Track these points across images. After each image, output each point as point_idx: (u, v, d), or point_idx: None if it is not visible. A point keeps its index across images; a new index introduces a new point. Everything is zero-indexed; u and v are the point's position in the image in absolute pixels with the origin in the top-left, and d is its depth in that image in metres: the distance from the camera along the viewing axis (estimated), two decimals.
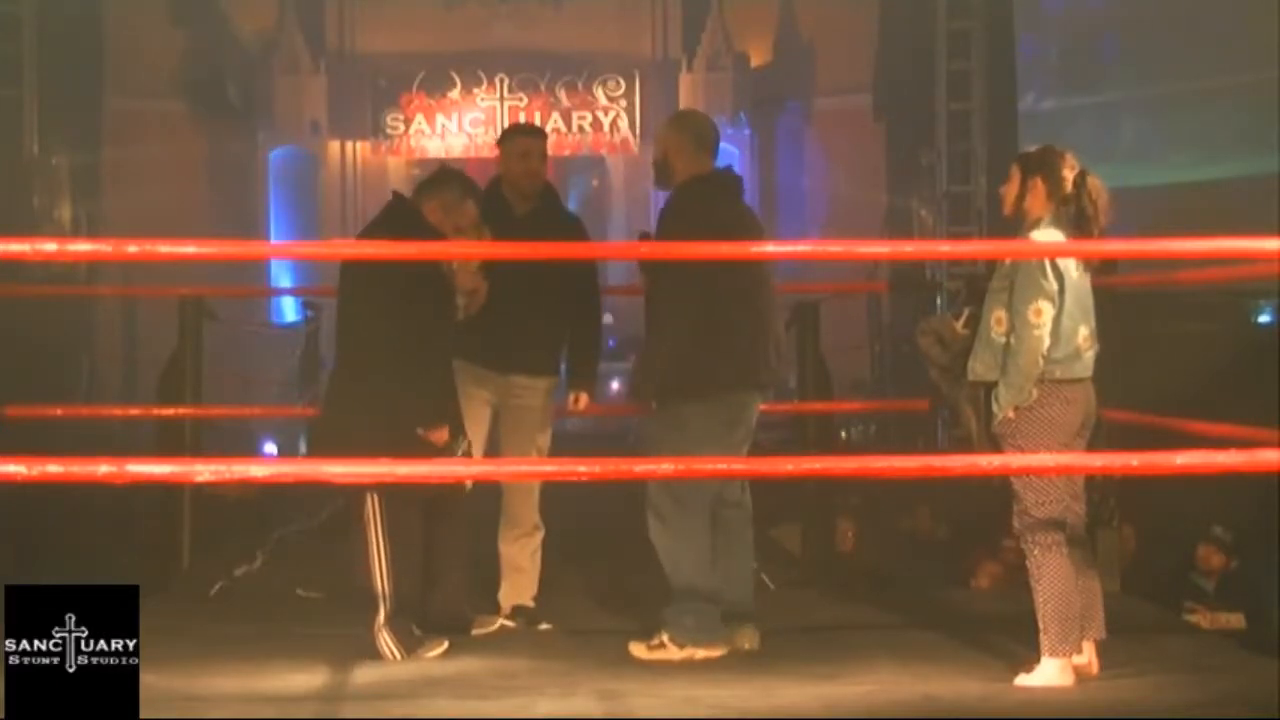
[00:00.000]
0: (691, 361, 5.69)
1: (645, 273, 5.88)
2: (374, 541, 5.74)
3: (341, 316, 5.95)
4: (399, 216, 5.95)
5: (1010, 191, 5.36)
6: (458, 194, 6.00)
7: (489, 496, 6.42)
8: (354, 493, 5.81)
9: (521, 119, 16.68)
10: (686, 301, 5.65)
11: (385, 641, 5.72)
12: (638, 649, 5.70)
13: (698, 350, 5.68)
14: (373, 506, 5.73)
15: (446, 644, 5.81)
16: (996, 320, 5.24)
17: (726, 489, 5.86)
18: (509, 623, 6.32)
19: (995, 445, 5.26)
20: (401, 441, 5.46)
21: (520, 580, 6.40)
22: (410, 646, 5.73)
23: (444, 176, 6.19)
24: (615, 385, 12.37)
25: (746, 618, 5.85)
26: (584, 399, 6.44)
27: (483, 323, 6.17)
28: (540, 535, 6.44)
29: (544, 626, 6.30)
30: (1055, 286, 5.17)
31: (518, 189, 6.42)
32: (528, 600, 6.39)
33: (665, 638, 5.68)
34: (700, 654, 5.65)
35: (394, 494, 5.68)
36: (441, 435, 5.74)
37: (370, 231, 6.00)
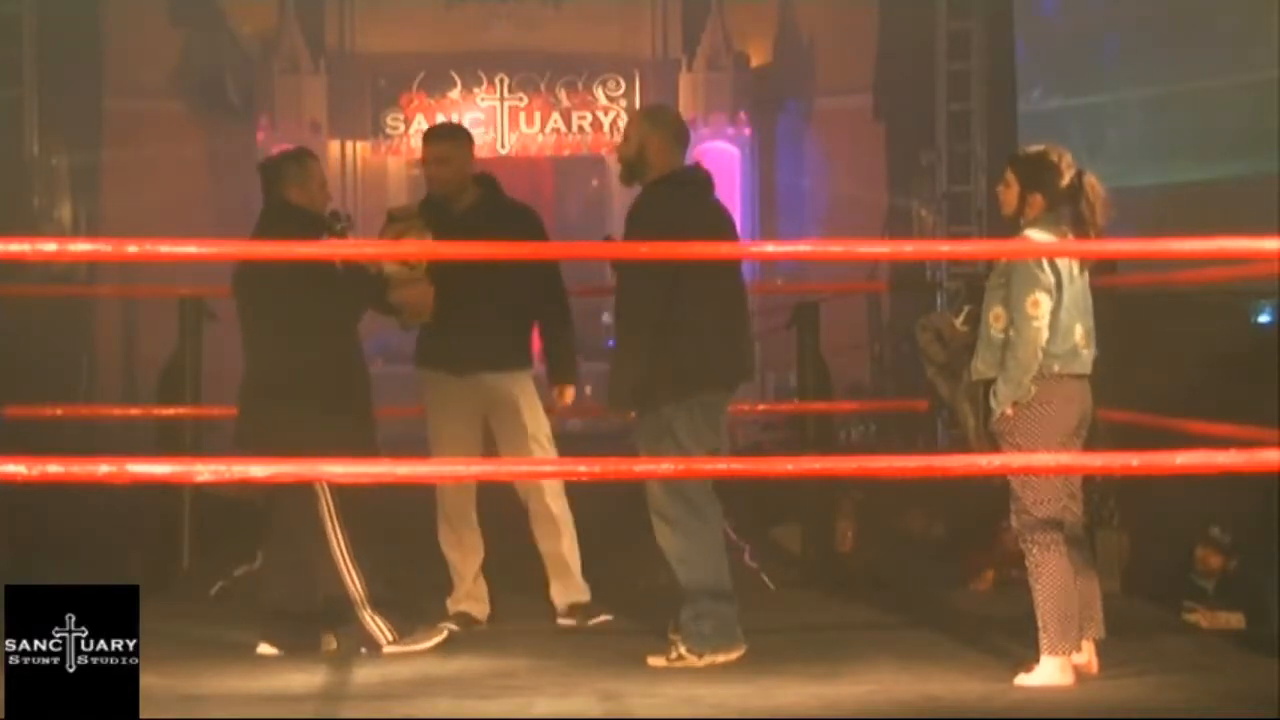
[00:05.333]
0: (665, 363, 5.60)
1: (616, 270, 5.81)
2: (333, 538, 5.71)
3: (245, 319, 5.93)
4: (279, 215, 5.88)
5: (1009, 199, 5.36)
6: (295, 167, 5.95)
7: (505, 499, 6.40)
8: (302, 499, 5.72)
9: (522, 119, 16.76)
10: (656, 302, 5.57)
11: (373, 624, 5.70)
12: (656, 661, 5.61)
13: (671, 351, 5.59)
14: (326, 504, 5.69)
15: (445, 633, 5.82)
16: (995, 317, 5.25)
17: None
18: (568, 620, 6.33)
19: (993, 443, 5.26)
20: (325, 429, 5.49)
21: (566, 578, 6.38)
22: (403, 630, 5.73)
23: (277, 164, 6.06)
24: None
25: None
26: (569, 392, 6.36)
27: (439, 327, 6.12)
28: (570, 529, 6.39)
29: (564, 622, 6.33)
30: (1052, 279, 5.18)
31: (439, 191, 6.37)
32: (581, 596, 6.38)
33: (684, 649, 5.60)
34: (720, 659, 5.59)
35: (341, 488, 5.64)
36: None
37: (258, 236, 5.91)
